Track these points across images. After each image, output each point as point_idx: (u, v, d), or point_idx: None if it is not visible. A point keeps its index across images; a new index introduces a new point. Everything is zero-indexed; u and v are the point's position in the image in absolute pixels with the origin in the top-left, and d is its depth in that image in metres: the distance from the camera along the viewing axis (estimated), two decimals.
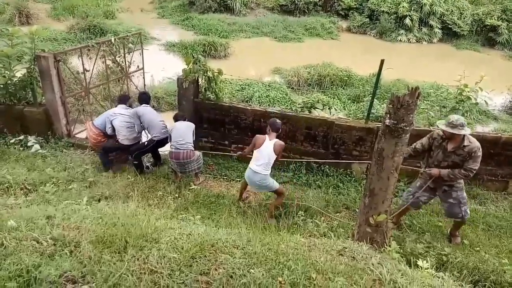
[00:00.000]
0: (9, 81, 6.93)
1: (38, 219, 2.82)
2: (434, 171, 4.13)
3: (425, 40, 19.31)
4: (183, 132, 5.52)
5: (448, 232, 4.63)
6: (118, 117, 5.81)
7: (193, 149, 5.56)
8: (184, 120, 5.81)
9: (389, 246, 3.18)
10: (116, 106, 6.12)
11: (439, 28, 19.30)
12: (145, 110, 5.82)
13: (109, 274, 2.30)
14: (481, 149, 3.98)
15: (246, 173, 4.91)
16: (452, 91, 6.36)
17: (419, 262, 2.84)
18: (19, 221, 2.73)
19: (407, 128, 3.02)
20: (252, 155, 4.90)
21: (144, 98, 6.00)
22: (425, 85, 11.10)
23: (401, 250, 3.47)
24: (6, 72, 6.95)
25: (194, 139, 5.75)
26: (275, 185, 4.86)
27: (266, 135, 4.77)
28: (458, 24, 19.18)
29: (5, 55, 6.87)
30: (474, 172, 4.01)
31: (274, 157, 4.71)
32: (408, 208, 4.69)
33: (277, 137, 4.80)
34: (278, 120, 4.83)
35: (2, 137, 6.91)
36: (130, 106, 6.21)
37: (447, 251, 4.02)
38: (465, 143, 3.97)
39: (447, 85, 6.70)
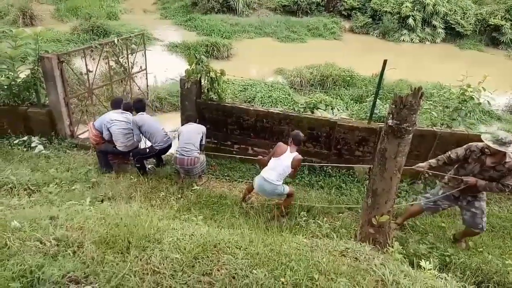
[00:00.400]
0: (13, 82, 6.98)
1: (41, 220, 2.84)
2: (471, 179, 4.02)
3: (428, 40, 19.27)
4: (191, 137, 5.43)
5: (452, 236, 4.59)
6: (115, 124, 5.70)
7: (198, 156, 5.46)
8: (195, 121, 5.73)
9: (392, 246, 3.17)
10: (111, 111, 5.95)
11: (442, 28, 19.26)
12: (144, 119, 5.73)
13: (112, 275, 2.31)
14: None
15: (257, 180, 4.79)
16: (455, 91, 6.33)
17: (422, 263, 2.83)
18: (22, 222, 2.75)
19: (410, 128, 3.01)
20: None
21: (140, 106, 5.87)
22: (428, 85, 11.08)
23: (404, 251, 3.46)
24: (10, 73, 7.00)
25: (204, 143, 5.68)
26: (286, 190, 4.79)
27: (288, 147, 4.65)
28: (461, 24, 19.12)
29: (9, 57, 6.93)
30: (510, 188, 3.94)
31: (290, 170, 4.63)
32: (420, 212, 4.65)
33: (297, 150, 4.69)
34: (301, 134, 4.70)
35: (6, 137, 6.96)
36: (129, 109, 6.05)
37: (450, 252, 4.02)
38: (507, 159, 3.88)
39: (450, 85, 6.67)
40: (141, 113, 5.82)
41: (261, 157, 5.25)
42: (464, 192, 4.18)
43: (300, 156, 4.65)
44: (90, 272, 2.32)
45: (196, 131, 5.54)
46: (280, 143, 4.75)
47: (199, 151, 5.52)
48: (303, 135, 4.75)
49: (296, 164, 4.62)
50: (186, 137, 5.44)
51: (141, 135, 5.83)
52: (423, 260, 2.97)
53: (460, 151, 4.14)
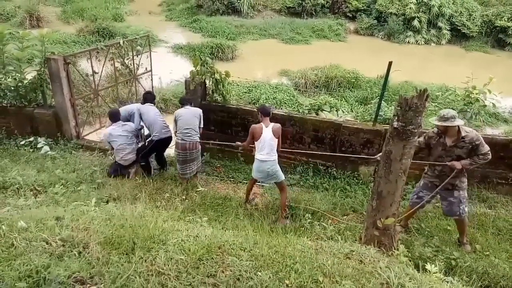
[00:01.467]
0: (20, 84, 7.03)
1: (47, 220, 2.86)
2: (456, 164, 4.10)
3: (434, 42, 19.18)
4: (189, 122, 5.44)
5: (457, 239, 4.58)
6: (115, 141, 5.65)
7: (198, 140, 5.52)
8: (190, 104, 5.69)
9: (397, 249, 3.15)
10: (110, 125, 5.82)
11: (448, 30, 19.17)
12: (149, 109, 5.78)
13: (117, 275, 2.32)
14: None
15: (254, 165, 4.93)
16: (460, 93, 6.29)
17: (428, 266, 2.81)
18: (29, 222, 2.77)
19: (415, 130, 3.00)
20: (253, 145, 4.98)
21: (149, 97, 5.96)
22: (433, 87, 11.02)
23: (409, 254, 3.44)
24: (17, 74, 7.05)
25: (202, 126, 5.67)
26: (282, 175, 4.96)
27: (261, 123, 4.82)
28: (467, 25, 19.02)
29: (16, 58, 6.99)
30: (490, 154, 4.02)
31: (275, 141, 4.79)
32: (413, 209, 4.66)
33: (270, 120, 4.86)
34: (267, 104, 4.88)
35: (13, 138, 7.01)
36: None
37: (456, 255, 3.98)
38: (463, 134, 4.02)
39: (455, 87, 6.63)
40: (149, 104, 5.87)
41: (239, 144, 5.29)
42: (443, 179, 4.25)
43: (277, 124, 4.83)
44: (95, 272, 2.33)
45: (193, 115, 5.53)
46: (253, 126, 4.89)
47: (199, 135, 5.55)
48: (270, 106, 4.94)
49: (278, 132, 4.79)
50: (185, 122, 5.43)
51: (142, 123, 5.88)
52: (428, 263, 2.95)
53: (421, 139, 4.32)
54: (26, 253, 2.40)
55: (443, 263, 3.75)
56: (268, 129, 4.77)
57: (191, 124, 5.45)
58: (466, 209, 4.34)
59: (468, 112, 5.92)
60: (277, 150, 4.93)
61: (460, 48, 18.96)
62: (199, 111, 5.64)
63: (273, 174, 4.88)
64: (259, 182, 5.29)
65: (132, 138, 5.82)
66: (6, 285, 2.08)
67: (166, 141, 5.91)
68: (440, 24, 19.05)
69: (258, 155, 4.86)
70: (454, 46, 19.19)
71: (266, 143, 4.76)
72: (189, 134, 5.41)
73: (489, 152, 4.02)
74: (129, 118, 6.03)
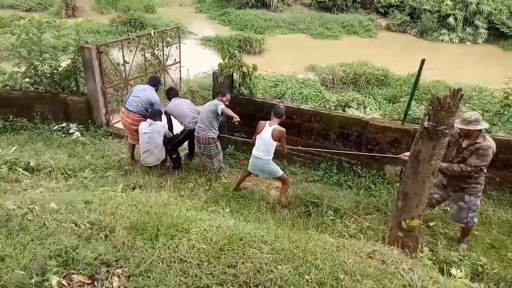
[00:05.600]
0: (55, 71, 7.29)
1: (77, 203, 2.96)
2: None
3: (469, 40, 18.46)
4: (203, 116, 5.36)
5: (457, 237, 4.53)
6: (142, 137, 5.47)
7: (212, 136, 5.36)
8: (221, 96, 5.48)
9: (421, 252, 3.08)
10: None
11: (485, 28, 18.36)
12: (175, 104, 5.81)
13: (141, 260, 2.38)
14: (492, 150, 3.83)
15: (250, 160, 5.03)
16: (497, 94, 6.03)
17: (453, 271, 2.73)
18: (59, 204, 2.87)
19: (447, 131, 2.91)
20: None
21: (172, 93, 6.07)
22: (467, 88, 10.61)
23: (434, 257, 3.35)
24: (53, 62, 7.31)
25: (217, 123, 5.44)
26: (279, 172, 4.98)
27: (267, 122, 4.85)
28: (506, 24, 18.15)
29: (52, 46, 7.23)
30: (472, 169, 3.88)
31: (273, 143, 4.77)
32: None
33: (280, 124, 4.84)
34: (281, 106, 4.96)
35: (47, 123, 7.29)
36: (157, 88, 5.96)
37: (483, 261, 3.84)
38: (479, 140, 3.89)
39: (492, 89, 6.36)
40: (174, 98, 5.96)
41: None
42: (449, 180, 4.21)
43: (280, 128, 4.77)
44: (120, 256, 2.40)
45: (209, 109, 5.33)
46: (260, 121, 4.95)
47: (214, 131, 5.39)
48: (283, 108, 4.94)
49: (277, 135, 4.74)
50: (201, 116, 5.43)
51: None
52: (454, 267, 2.87)
53: None
54: (57, 234, 2.49)
55: (469, 268, 3.63)
56: (269, 129, 4.76)
57: (204, 119, 5.33)
58: (475, 219, 4.20)
59: (504, 115, 5.67)
60: (282, 152, 5.00)
61: (498, 48, 18.14)
62: (214, 106, 5.28)
63: (266, 171, 4.95)
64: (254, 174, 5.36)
65: (158, 137, 5.48)
66: (38, 262, 2.18)
67: None
68: (477, 22, 18.30)
69: (254, 150, 4.94)
70: (491, 45, 18.39)
71: (263, 141, 4.80)
72: (202, 129, 5.35)
73: (472, 168, 3.87)
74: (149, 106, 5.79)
